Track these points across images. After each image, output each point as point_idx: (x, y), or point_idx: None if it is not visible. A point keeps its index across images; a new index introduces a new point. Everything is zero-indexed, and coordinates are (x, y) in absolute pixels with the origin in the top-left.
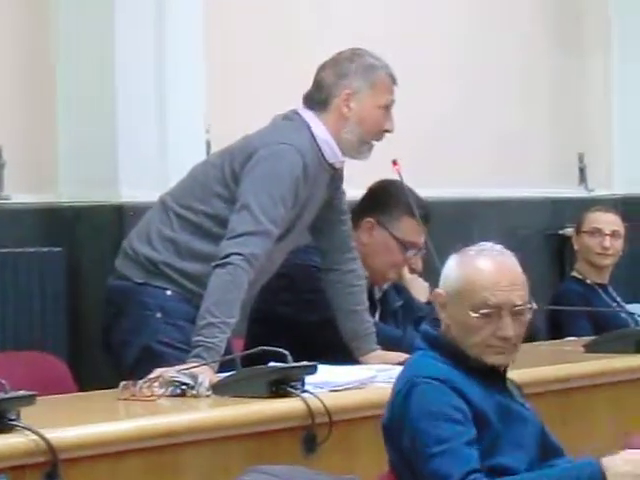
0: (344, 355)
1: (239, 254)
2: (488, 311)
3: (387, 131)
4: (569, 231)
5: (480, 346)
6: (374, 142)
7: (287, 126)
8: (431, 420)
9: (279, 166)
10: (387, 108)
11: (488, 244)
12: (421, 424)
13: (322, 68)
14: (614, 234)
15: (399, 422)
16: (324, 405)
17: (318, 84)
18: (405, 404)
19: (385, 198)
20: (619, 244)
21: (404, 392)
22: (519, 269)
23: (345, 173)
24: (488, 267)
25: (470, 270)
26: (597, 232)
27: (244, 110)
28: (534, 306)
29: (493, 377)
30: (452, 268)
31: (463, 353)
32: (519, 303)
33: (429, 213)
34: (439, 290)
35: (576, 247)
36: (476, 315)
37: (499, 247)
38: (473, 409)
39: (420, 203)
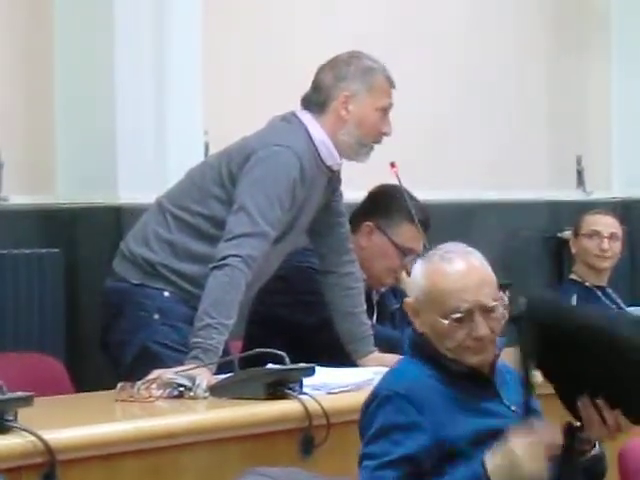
0: (342, 357)
1: (236, 256)
2: (459, 316)
3: (384, 134)
4: (567, 234)
5: (457, 349)
6: (373, 145)
7: (284, 128)
8: (373, 435)
9: (276, 168)
10: (385, 111)
11: (452, 244)
12: (367, 435)
13: (320, 70)
14: (612, 236)
15: (360, 429)
16: (322, 407)
17: (316, 86)
18: (364, 414)
19: (385, 203)
20: (617, 246)
21: (367, 403)
22: (486, 267)
23: (343, 175)
24: (453, 271)
25: (435, 276)
26: (595, 235)
27: (242, 112)
28: (506, 300)
29: (479, 380)
30: (418, 275)
31: (444, 358)
32: (489, 303)
33: (429, 219)
34: (408, 299)
35: (574, 250)
36: (447, 321)
37: (463, 246)
38: (435, 421)
39: (420, 209)
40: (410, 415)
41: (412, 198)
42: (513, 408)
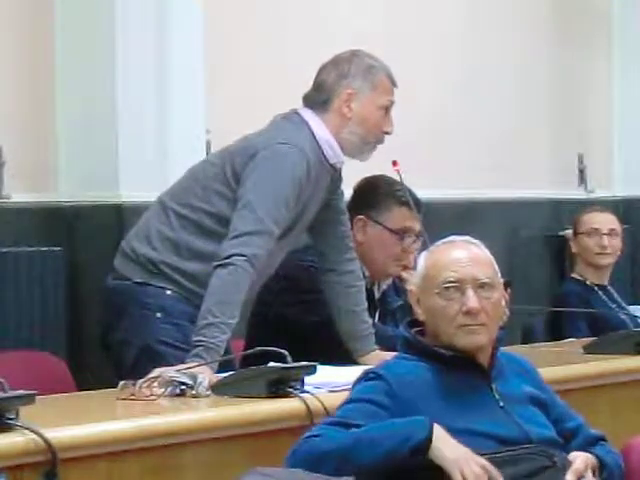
0: (344, 356)
1: (241, 255)
2: (450, 285)
3: (387, 132)
4: (569, 232)
5: (451, 327)
6: (376, 144)
7: (288, 126)
8: (344, 402)
9: (282, 166)
10: (387, 109)
11: (457, 237)
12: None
13: (323, 68)
14: (611, 233)
15: None
16: (323, 405)
17: (319, 84)
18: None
19: (371, 193)
20: (617, 243)
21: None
22: (485, 251)
23: (344, 173)
24: (449, 249)
25: (432, 256)
26: (594, 232)
27: (244, 111)
28: (501, 281)
29: (473, 371)
30: (420, 261)
31: (436, 347)
32: (481, 277)
33: (419, 200)
34: (411, 287)
35: (575, 250)
36: (438, 291)
37: (467, 237)
38: (407, 411)
39: (408, 191)
40: (380, 395)
41: (397, 182)
42: (501, 404)
